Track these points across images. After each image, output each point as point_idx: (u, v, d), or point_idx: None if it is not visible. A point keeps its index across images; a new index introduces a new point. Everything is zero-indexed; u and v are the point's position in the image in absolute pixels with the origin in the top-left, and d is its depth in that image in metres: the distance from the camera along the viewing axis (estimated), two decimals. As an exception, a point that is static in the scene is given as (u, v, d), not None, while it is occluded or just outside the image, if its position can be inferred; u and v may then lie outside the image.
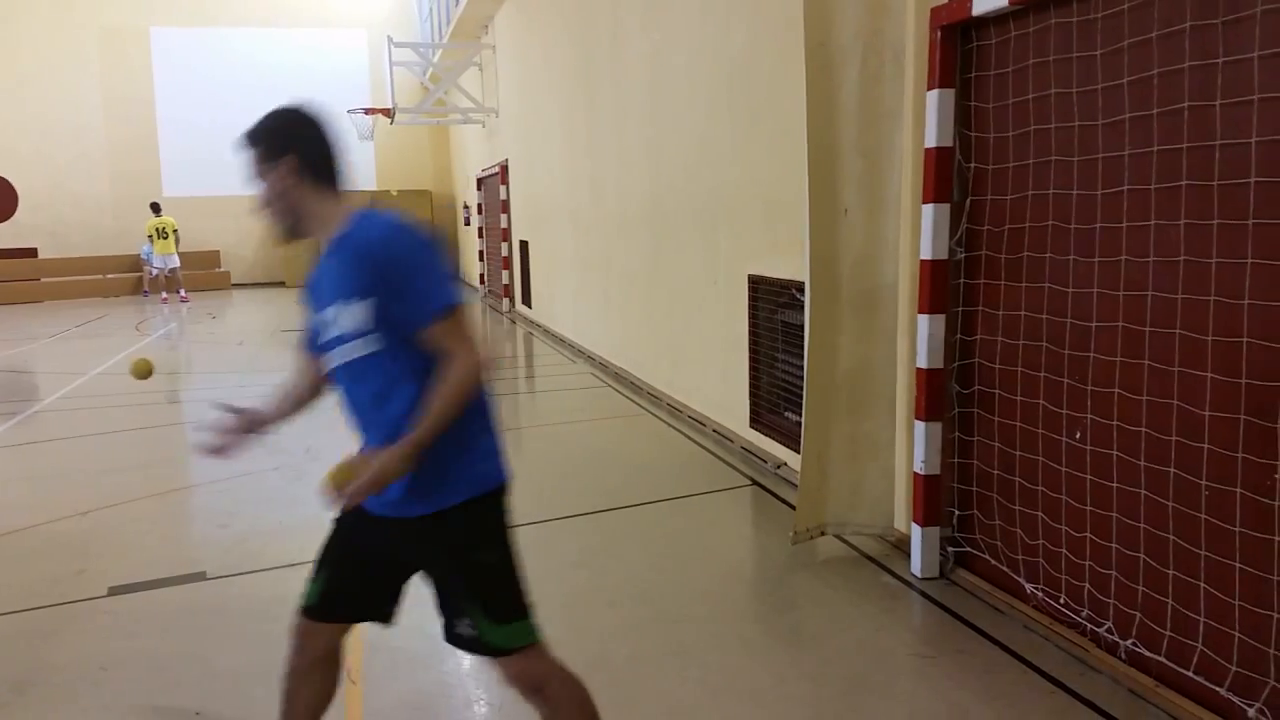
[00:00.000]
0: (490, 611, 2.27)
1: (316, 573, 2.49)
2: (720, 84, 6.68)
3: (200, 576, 4.51)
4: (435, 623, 2.29)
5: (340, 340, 2.21)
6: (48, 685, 3.51)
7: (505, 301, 16.72)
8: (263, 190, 2.25)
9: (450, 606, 2.33)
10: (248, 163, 2.26)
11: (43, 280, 21.02)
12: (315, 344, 2.36)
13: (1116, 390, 3.28)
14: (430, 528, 2.25)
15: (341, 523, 2.45)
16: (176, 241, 19.08)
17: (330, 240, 2.25)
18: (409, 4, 23.76)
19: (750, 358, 6.44)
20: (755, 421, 6.43)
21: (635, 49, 8.62)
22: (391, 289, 2.10)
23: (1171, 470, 3.05)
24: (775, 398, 6.23)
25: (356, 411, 2.30)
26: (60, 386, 9.80)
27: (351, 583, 2.45)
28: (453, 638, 2.34)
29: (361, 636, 3.82)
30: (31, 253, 21.79)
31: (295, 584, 4.34)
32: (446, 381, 2.11)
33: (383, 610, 2.50)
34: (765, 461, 6.07)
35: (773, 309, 6.14)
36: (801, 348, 5.14)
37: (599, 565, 4.58)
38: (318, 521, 5.42)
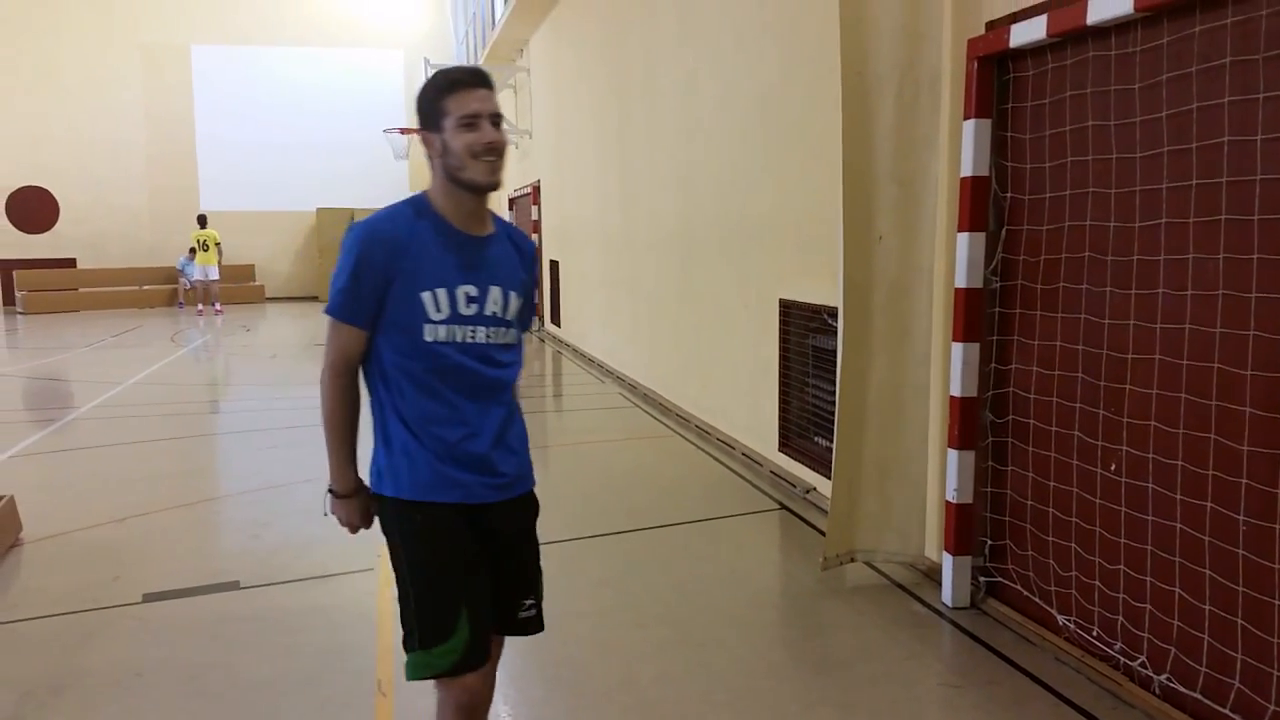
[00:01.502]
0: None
1: (453, 619, 2.30)
2: (753, 109, 6.72)
3: (234, 586, 4.56)
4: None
5: (503, 323, 2.35)
6: (83, 689, 3.56)
7: (535, 321, 16.82)
8: (502, 135, 2.26)
9: (522, 586, 2.48)
10: (493, 100, 2.26)
11: (80, 290, 21.37)
12: (457, 315, 2.28)
13: (1152, 423, 3.26)
14: (531, 502, 2.50)
15: (442, 545, 2.33)
16: (219, 255, 19.39)
17: (492, 226, 2.39)
18: (445, 26, 24.07)
19: (780, 381, 6.44)
20: (785, 445, 6.43)
21: (668, 73, 8.69)
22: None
23: (1209, 504, 3.03)
24: (805, 422, 6.23)
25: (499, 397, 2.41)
26: (96, 395, 9.95)
27: (484, 603, 2.38)
28: (516, 624, 2.49)
29: (390, 648, 3.85)
30: (70, 263, 22.18)
31: (327, 596, 4.43)
32: None
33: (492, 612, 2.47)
34: (794, 486, 6.06)
35: (804, 333, 6.15)
36: (832, 372, 5.14)
37: (625, 586, 4.58)
38: (348, 534, 5.47)
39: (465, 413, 2.29)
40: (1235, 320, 2.93)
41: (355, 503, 2.43)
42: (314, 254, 23.22)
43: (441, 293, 2.25)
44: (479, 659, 2.32)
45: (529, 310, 2.48)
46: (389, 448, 2.34)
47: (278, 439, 7.94)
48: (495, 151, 2.22)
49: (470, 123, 2.19)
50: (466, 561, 2.32)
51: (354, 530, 2.46)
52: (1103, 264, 3.48)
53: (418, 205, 2.31)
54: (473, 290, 2.28)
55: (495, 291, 2.32)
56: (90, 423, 8.71)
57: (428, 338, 2.24)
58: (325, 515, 2.48)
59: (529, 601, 2.48)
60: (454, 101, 2.21)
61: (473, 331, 2.28)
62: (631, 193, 10.14)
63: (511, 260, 2.40)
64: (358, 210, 22.63)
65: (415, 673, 2.33)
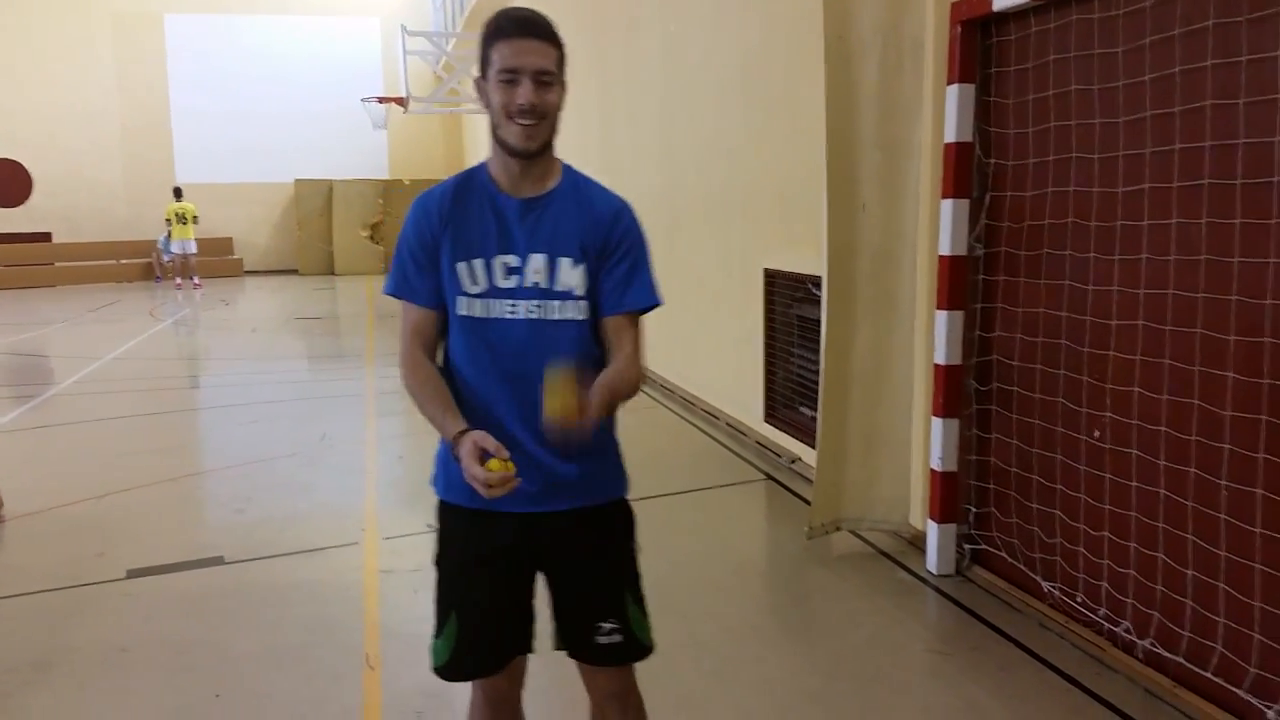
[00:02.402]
0: (640, 599, 2.18)
1: (443, 619, 2.16)
2: (735, 76, 6.67)
3: (218, 561, 4.54)
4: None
5: (551, 296, 2.03)
6: (68, 665, 3.55)
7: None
8: (549, 95, 1.96)
9: (595, 608, 2.14)
10: (544, 53, 1.94)
11: (56, 265, 21.11)
12: (495, 289, 2.02)
13: (1136, 389, 3.27)
14: (592, 516, 2.14)
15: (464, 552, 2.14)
16: (195, 227, 19.18)
17: (553, 183, 2.08)
18: (423, -7, 23.75)
19: (765, 352, 6.44)
20: (770, 416, 6.44)
21: (649, 41, 8.60)
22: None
23: (1191, 470, 3.05)
24: (790, 392, 6.24)
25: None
26: (75, 371, 9.85)
27: (495, 611, 2.15)
28: (594, 650, 2.13)
29: (377, 622, 3.85)
30: (45, 237, 21.87)
31: (313, 571, 4.42)
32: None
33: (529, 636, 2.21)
34: (779, 456, 6.07)
35: (788, 303, 6.14)
36: (817, 342, 5.14)
37: (613, 556, 4.58)
38: (333, 507, 5.47)
39: (500, 404, 2.02)
40: (1218, 285, 2.94)
41: (463, 447, 1.86)
42: (292, 226, 22.96)
43: (478, 264, 2.01)
44: (474, 669, 2.16)
45: (614, 279, 2.05)
46: (441, 440, 2.09)
47: (259, 413, 7.89)
48: (533, 113, 1.92)
49: (510, 78, 1.92)
50: (465, 563, 2.12)
51: (486, 486, 1.82)
52: (1086, 230, 3.48)
53: (476, 169, 2.09)
54: (512, 260, 2.01)
55: (537, 260, 2.00)
56: (69, 398, 8.63)
57: (461, 312, 2.02)
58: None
59: (607, 625, 2.10)
60: (497, 51, 1.94)
61: (512, 306, 2.01)
62: (613, 163, 10.06)
63: (570, 221, 2.03)
64: (336, 181, 22.46)
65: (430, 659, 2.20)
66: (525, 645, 2.17)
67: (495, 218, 2.03)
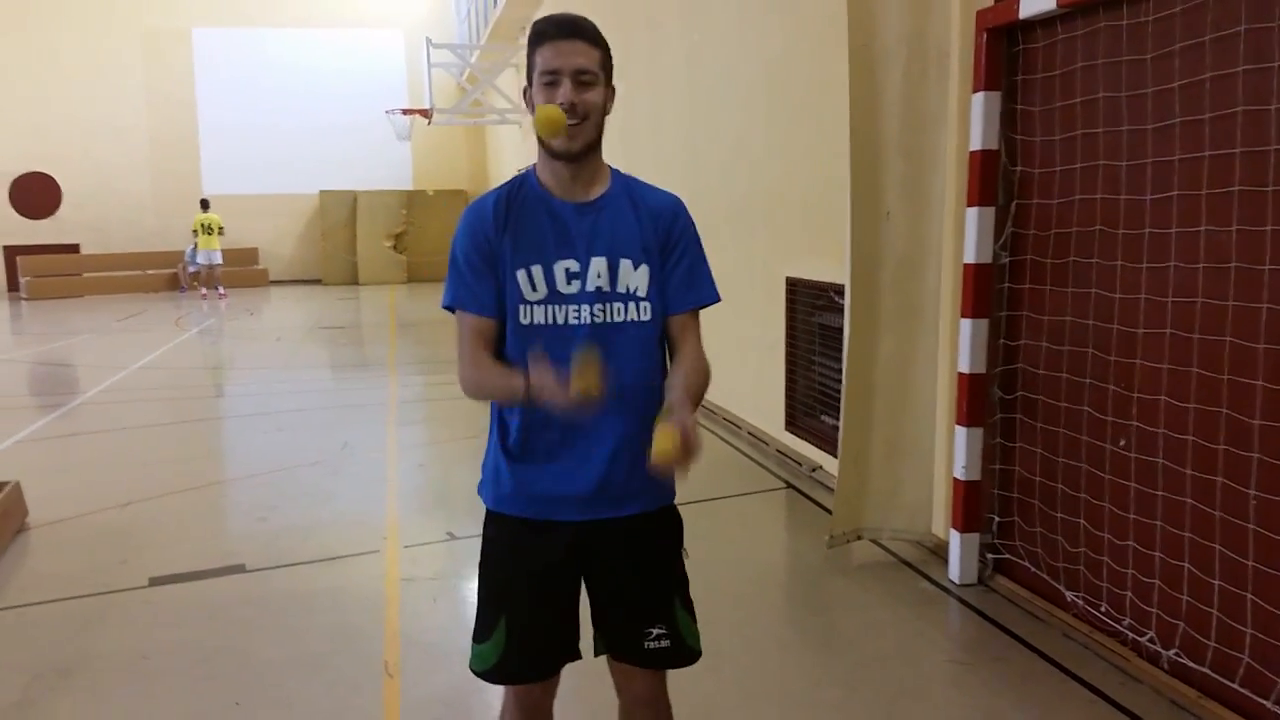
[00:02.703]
0: (688, 604, 2.18)
1: (492, 624, 2.14)
2: (758, 84, 6.66)
3: (240, 569, 4.56)
4: (474, 617, 2.23)
5: (614, 298, 2.02)
6: (91, 671, 3.57)
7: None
8: (590, 95, 1.95)
9: (644, 614, 2.12)
10: (584, 54, 1.94)
11: (84, 276, 21.35)
12: (556, 294, 2.00)
13: (1163, 397, 3.23)
14: (641, 524, 2.12)
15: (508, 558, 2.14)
16: (221, 238, 19.38)
17: (605, 187, 2.07)
18: (447, 5, 23.94)
19: (787, 360, 6.42)
20: (791, 424, 6.41)
21: (672, 50, 8.62)
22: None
23: (1219, 479, 3.01)
24: (811, 401, 6.20)
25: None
26: (101, 380, 9.95)
27: (544, 617, 2.13)
28: (644, 654, 2.12)
29: (397, 631, 3.85)
30: (74, 249, 22.15)
31: (334, 579, 4.43)
32: None
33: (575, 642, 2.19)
34: (800, 465, 6.04)
35: (810, 311, 6.11)
36: (839, 350, 5.11)
37: (633, 565, 4.57)
38: (355, 516, 5.49)
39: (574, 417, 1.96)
40: (1248, 293, 2.89)
41: (538, 378, 1.84)
42: (316, 237, 23.16)
43: (537, 270, 1.98)
44: (524, 674, 2.14)
45: (678, 276, 2.06)
46: (490, 447, 2.12)
47: (283, 422, 7.93)
48: (572, 113, 1.91)
49: (551, 79, 1.92)
50: (515, 574, 2.10)
51: (559, 399, 1.80)
52: (1113, 238, 3.44)
53: (524, 176, 2.08)
54: (573, 265, 1.98)
55: (599, 264, 1.99)
56: (95, 408, 8.71)
57: (523, 320, 1.99)
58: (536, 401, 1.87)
59: (654, 631, 2.11)
60: (540, 54, 1.94)
61: (576, 311, 1.98)
62: (636, 172, 9.92)
63: (627, 223, 2.04)
64: (360, 193, 22.62)
65: (470, 663, 2.19)
66: (574, 652, 2.16)
67: (552, 223, 2.01)
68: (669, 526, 2.20)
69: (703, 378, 2.03)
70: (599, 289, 1.99)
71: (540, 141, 1.99)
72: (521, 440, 2.05)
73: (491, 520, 2.15)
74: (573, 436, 2.02)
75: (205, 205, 19.61)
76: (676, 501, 2.24)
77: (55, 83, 21.81)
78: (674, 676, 2.19)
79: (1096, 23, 3.45)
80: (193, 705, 3.32)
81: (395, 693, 3.38)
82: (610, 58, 2.00)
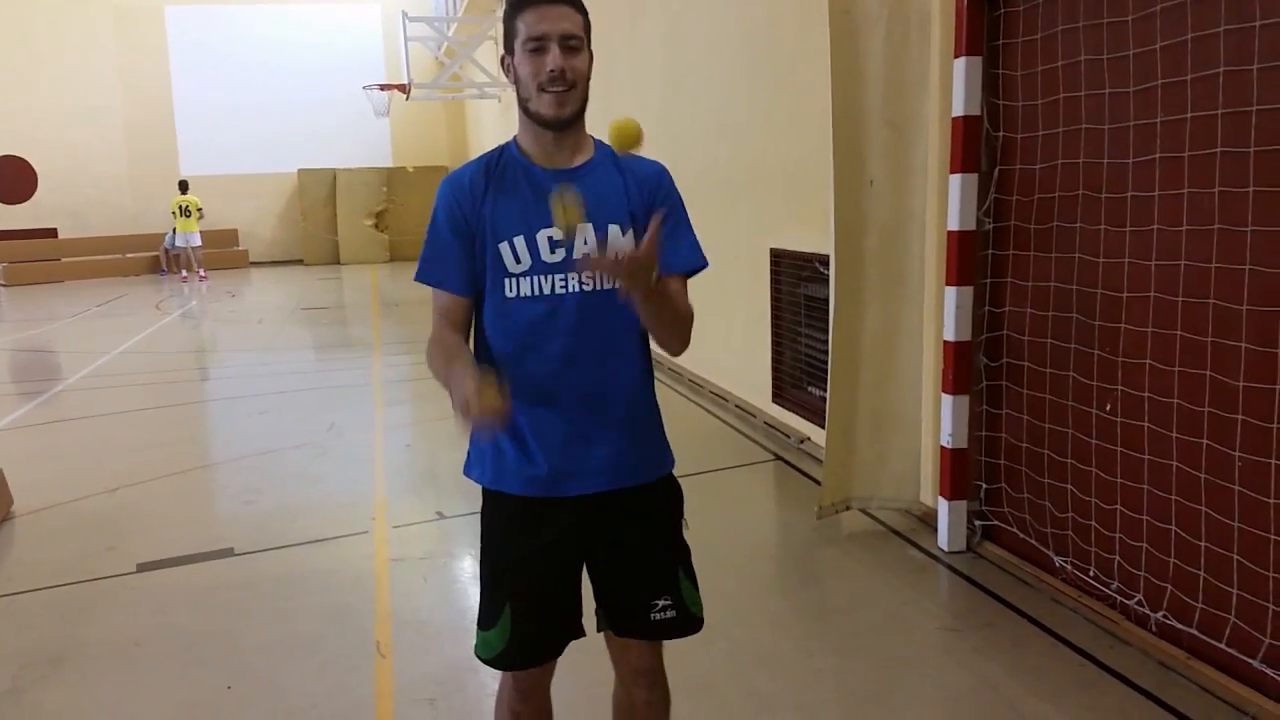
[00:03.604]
0: (691, 574, 2.17)
1: (497, 611, 2.09)
2: (740, 54, 6.61)
3: (228, 553, 4.54)
4: (465, 596, 2.23)
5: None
6: (81, 659, 3.55)
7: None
8: (578, 60, 1.91)
9: (651, 586, 2.11)
10: (569, 18, 1.90)
11: (63, 260, 21.12)
12: (541, 264, 1.95)
13: (1148, 361, 3.24)
14: (639, 495, 2.09)
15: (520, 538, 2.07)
16: (200, 220, 19.21)
17: (589, 154, 2.03)
18: (424, -22, 23.65)
19: (773, 332, 6.41)
20: (778, 396, 6.41)
21: (653, 19, 8.54)
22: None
23: (1204, 442, 3.02)
24: (798, 372, 6.21)
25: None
26: (83, 366, 9.87)
27: (549, 601, 2.11)
28: (650, 626, 2.11)
29: (389, 611, 3.85)
30: (51, 233, 21.90)
31: (324, 561, 4.42)
32: None
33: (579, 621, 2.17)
34: (788, 436, 6.05)
35: (795, 282, 6.10)
36: (825, 321, 5.10)
37: (623, 540, 4.57)
38: (343, 497, 5.46)
39: (554, 386, 1.96)
40: (1231, 255, 2.90)
41: (465, 380, 1.74)
42: (296, 216, 22.97)
43: (519, 241, 1.93)
44: (530, 659, 2.12)
45: (666, 245, 1.93)
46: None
47: (267, 404, 7.89)
48: (562, 79, 1.88)
49: (537, 45, 1.87)
50: (519, 557, 2.06)
51: (468, 408, 1.70)
52: (1097, 202, 3.43)
53: (504, 147, 2.03)
54: (556, 233, 1.93)
55: (585, 230, 1.93)
56: (78, 393, 8.64)
57: (509, 293, 1.95)
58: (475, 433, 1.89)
59: (660, 602, 2.09)
60: (522, 20, 1.89)
61: (563, 280, 1.94)
62: (617, 145, 10.01)
63: (614, 188, 1.99)
64: (340, 170, 22.42)
65: (476, 649, 2.16)
66: (576, 631, 2.15)
67: (533, 191, 1.95)
68: (670, 496, 2.18)
69: (683, 307, 2.00)
70: (586, 256, 1.92)
71: (524, 110, 1.95)
72: (519, 414, 1.98)
73: (490, 501, 2.11)
74: (573, 407, 1.99)
75: (184, 187, 19.43)
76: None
77: (27, 64, 21.47)
78: (667, 648, 2.19)
79: (1078, -15, 3.42)
80: (184, 690, 3.31)
81: (388, 672, 3.37)
82: (590, 22, 1.97)
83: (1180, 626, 3.17)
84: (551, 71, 1.87)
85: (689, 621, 2.14)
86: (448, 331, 1.98)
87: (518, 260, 1.95)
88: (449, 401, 1.77)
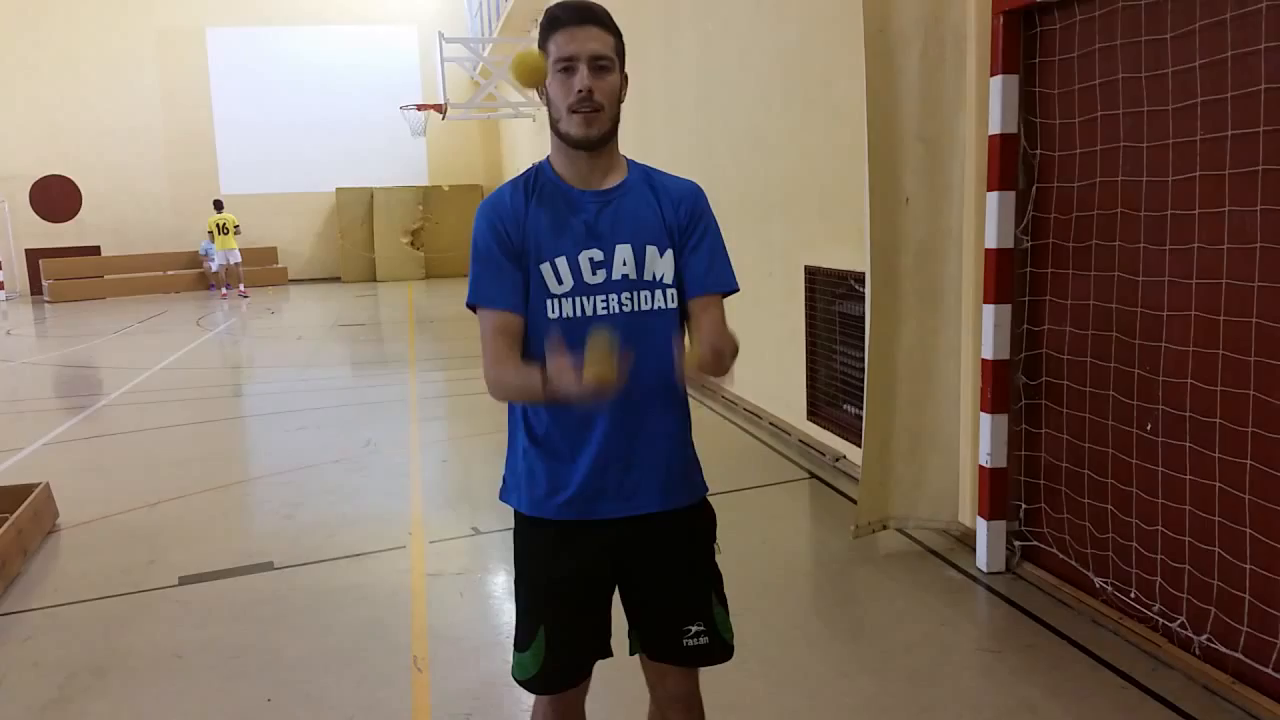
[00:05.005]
0: (723, 600, 2.17)
1: (532, 634, 2.09)
2: (774, 71, 6.63)
3: (268, 567, 4.60)
4: (501, 612, 2.25)
5: (641, 286, 1.98)
6: (125, 670, 3.61)
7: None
8: (607, 81, 1.92)
9: (683, 612, 2.11)
10: (600, 39, 1.91)
11: (105, 278, 21.54)
12: (582, 285, 1.96)
13: (1189, 381, 3.20)
14: (671, 520, 2.09)
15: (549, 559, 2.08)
16: (237, 235, 19.51)
17: (623, 175, 2.05)
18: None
19: (807, 349, 6.40)
20: (813, 414, 6.39)
21: (686, 38, 8.59)
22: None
23: (1248, 462, 2.98)
24: (833, 390, 6.19)
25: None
26: (125, 381, 10.03)
27: (582, 624, 2.11)
28: (683, 653, 2.10)
29: (425, 625, 3.87)
30: (94, 251, 22.34)
31: (362, 575, 4.46)
32: None
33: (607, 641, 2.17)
34: (823, 455, 6.03)
35: (830, 300, 6.09)
36: (860, 339, 5.09)
37: (658, 557, 4.57)
38: (380, 512, 5.51)
39: (597, 408, 1.92)
40: (1274, 273, 2.86)
41: (555, 362, 1.75)
42: (334, 235, 23.26)
43: (561, 262, 1.94)
44: (564, 682, 2.12)
45: (699, 259, 2.01)
46: (513, 451, 2.08)
47: (306, 420, 7.98)
48: (590, 101, 1.88)
49: (567, 65, 1.88)
50: (552, 579, 2.06)
51: (574, 387, 1.71)
52: (1136, 220, 3.41)
53: (538, 168, 2.04)
54: (597, 254, 1.94)
55: (624, 251, 1.95)
56: (120, 409, 8.79)
57: (551, 314, 1.94)
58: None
59: (693, 628, 2.09)
60: (554, 41, 1.90)
61: (605, 301, 1.94)
62: (651, 161, 10.01)
63: (648, 209, 2.01)
64: (377, 189, 22.69)
65: (512, 670, 2.17)
66: (605, 651, 2.15)
67: (572, 213, 1.97)
68: (704, 521, 2.17)
69: (729, 342, 1.91)
70: (625, 277, 1.95)
71: (555, 131, 1.97)
72: (555, 436, 2.00)
73: (524, 524, 2.11)
74: (609, 429, 1.98)
75: (219, 206, 19.76)
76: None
77: (70, 85, 21.97)
78: (703, 670, 2.19)
79: (1114, 3, 3.41)
80: (225, 702, 3.35)
81: (425, 687, 3.40)
82: (623, 44, 1.98)
83: (1225, 650, 3.12)
84: (580, 92, 1.88)
85: (722, 648, 2.14)
86: (506, 351, 1.96)
87: (560, 281, 1.95)
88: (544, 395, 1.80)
